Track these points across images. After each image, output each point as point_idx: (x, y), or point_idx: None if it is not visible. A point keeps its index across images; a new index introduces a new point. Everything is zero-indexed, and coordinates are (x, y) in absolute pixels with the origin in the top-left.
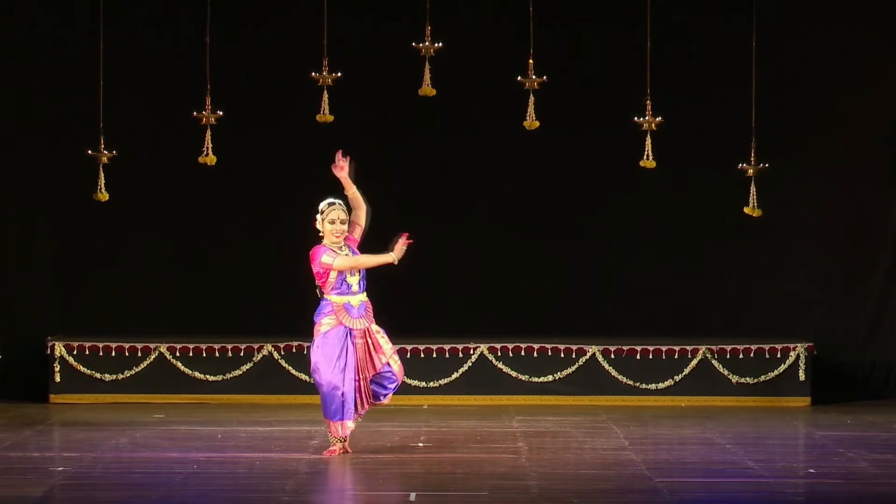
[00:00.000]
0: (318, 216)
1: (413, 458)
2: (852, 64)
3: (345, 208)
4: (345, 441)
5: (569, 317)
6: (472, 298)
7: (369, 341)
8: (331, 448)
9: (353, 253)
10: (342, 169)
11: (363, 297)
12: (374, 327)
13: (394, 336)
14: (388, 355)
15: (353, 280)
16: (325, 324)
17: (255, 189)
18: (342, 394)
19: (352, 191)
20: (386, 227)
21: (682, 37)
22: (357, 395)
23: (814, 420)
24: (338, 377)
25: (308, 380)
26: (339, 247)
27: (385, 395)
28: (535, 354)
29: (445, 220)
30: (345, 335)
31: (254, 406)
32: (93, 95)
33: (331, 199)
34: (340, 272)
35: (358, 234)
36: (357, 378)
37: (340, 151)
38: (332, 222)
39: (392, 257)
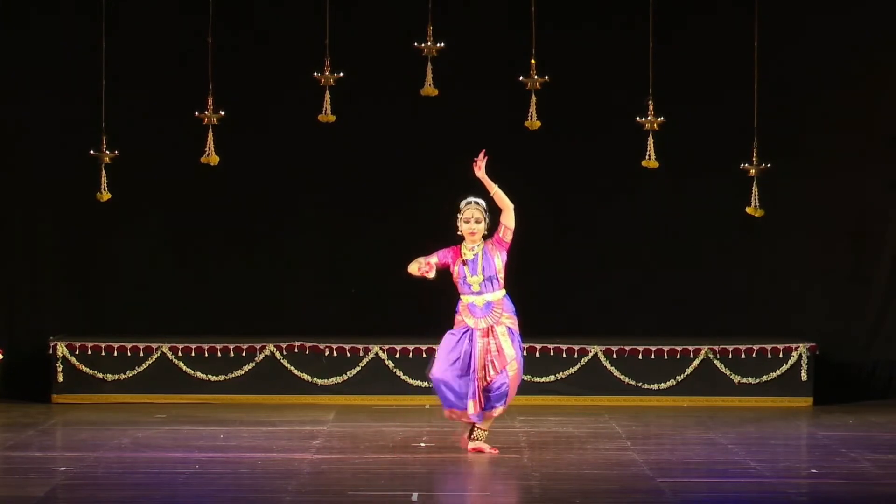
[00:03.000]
0: (458, 215)
1: (415, 458)
2: (854, 64)
3: (482, 207)
4: (475, 435)
5: (570, 317)
6: None
7: (492, 342)
8: (469, 444)
9: (502, 255)
10: (479, 168)
11: (490, 296)
12: (501, 329)
13: (394, 337)
14: (508, 362)
15: (475, 280)
16: (455, 322)
17: (257, 189)
18: (445, 385)
19: (493, 190)
20: (384, 227)
21: (684, 36)
22: (473, 393)
23: (816, 420)
24: (441, 369)
25: (309, 379)
26: (471, 248)
27: (492, 406)
28: (537, 354)
29: (446, 219)
30: (463, 334)
31: (256, 406)
32: (95, 95)
33: (469, 198)
34: (460, 272)
35: (508, 236)
36: (476, 377)
37: (483, 152)
38: (467, 221)
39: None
